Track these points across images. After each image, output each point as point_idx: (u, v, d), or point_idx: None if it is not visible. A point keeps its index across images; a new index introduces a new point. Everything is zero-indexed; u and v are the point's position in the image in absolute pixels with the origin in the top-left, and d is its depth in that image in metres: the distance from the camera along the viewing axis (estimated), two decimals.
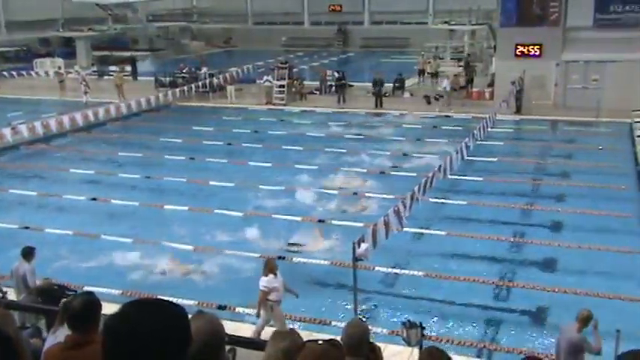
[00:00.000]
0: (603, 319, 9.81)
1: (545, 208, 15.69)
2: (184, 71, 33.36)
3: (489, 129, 19.58)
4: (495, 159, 19.75)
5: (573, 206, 15.55)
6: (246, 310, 10.64)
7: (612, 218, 14.56)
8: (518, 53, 26.26)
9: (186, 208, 16.03)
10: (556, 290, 11.15)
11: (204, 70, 32.31)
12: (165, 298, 2.16)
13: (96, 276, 11.83)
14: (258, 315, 9.48)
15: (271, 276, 9.33)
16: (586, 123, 23.92)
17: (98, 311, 3.88)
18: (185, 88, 27.59)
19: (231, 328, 9.12)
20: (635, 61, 24.18)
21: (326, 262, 12.55)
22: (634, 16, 24.70)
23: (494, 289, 11.67)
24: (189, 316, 2.15)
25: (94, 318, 3.79)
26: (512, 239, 13.89)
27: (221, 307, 10.63)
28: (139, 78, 36.58)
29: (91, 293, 4.25)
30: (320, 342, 3.38)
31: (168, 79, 32.95)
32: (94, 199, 16.82)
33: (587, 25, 25.23)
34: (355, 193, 16.75)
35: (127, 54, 42.78)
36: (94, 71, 37.97)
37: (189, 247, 13.46)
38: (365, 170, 18.82)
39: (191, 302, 10.14)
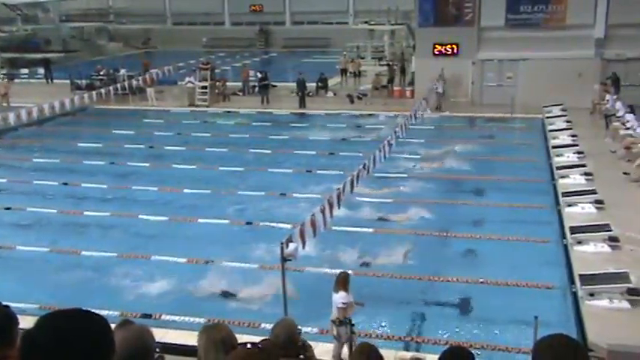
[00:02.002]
0: (522, 306, 10.27)
1: (467, 202, 16.15)
2: (102, 73, 32.34)
3: (411, 126, 20.01)
4: (418, 156, 20.19)
5: (493, 199, 16.12)
6: (173, 317, 10.44)
7: (529, 210, 15.19)
8: (437, 52, 27.00)
9: (107, 214, 15.55)
10: (480, 281, 11.52)
11: (122, 71, 31.49)
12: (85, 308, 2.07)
13: (12, 289, 11.26)
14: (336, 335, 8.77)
15: (343, 292, 8.73)
16: (502, 119, 24.86)
17: (13, 325, 3.66)
18: (103, 90, 26.72)
19: (158, 334, 8.93)
20: (544, 59, 25.34)
21: (255, 266, 12.47)
22: (542, 16, 25.88)
23: (420, 283, 11.90)
24: (114, 325, 2.08)
25: (8, 332, 3.58)
26: (436, 234, 14.19)
27: (146, 316, 10.37)
28: (54, 81, 35.25)
29: (4, 307, 4.01)
30: (248, 345, 3.38)
31: (84, 81, 31.87)
32: (8, 208, 16.05)
33: (500, 25, 26.24)
34: (283, 194, 16.72)
35: (39, 56, 41.02)
36: (4, 74, 36.16)
37: (113, 254, 13.07)
38: (291, 170, 18.84)
39: (116, 313, 9.83)
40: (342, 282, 8.80)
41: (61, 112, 24.78)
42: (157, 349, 3.17)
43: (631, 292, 10.18)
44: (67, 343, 1.86)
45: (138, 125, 25.53)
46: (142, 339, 3.00)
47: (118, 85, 28.22)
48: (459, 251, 13.31)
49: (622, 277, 10.47)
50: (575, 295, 10.72)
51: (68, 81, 32.15)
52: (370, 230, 14.23)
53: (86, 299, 10.61)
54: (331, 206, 11.44)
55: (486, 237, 13.60)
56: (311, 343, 5.39)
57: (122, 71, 31.69)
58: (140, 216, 15.33)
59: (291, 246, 9.48)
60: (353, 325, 8.34)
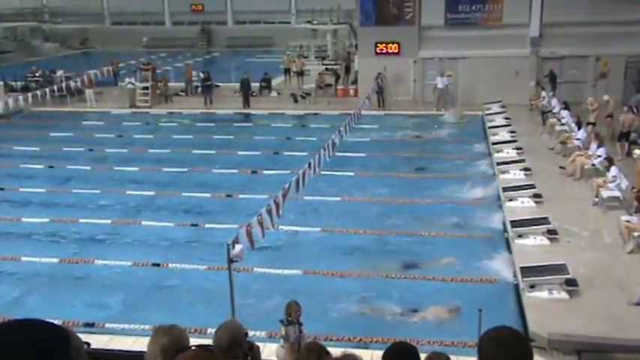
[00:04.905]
0: (466, 300, 10.49)
1: (407, 200, 16.32)
2: (37, 74, 31.32)
3: (355, 125, 20.14)
4: (364, 154, 20.28)
5: (436, 196, 16.37)
6: (118, 325, 10.23)
7: (471, 205, 15.50)
8: (379, 51, 27.27)
9: (47, 220, 15.07)
10: (424, 277, 11.70)
11: (59, 72, 30.59)
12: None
13: None
14: None
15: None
16: (443, 116, 25.27)
17: None
18: (39, 92, 25.88)
19: (102, 341, 8.72)
20: (483, 57, 25.95)
21: (203, 267, 12.33)
22: (480, 15, 26.49)
23: (367, 281, 11.98)
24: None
25: None
26: (378, 232, 14.26)
27: (88, 324, 10.12)
28: None
29: None
30: (193, 348, 3.36)
31: (19, 83, 30.79)
32: None
33: (440, 24, 26.72)
34: (229, 195, 16.58)
35: None
36: None
37: (54, 260, 12.70)
38: (236, 170, 18.70)
39: (58, 321, 9.55)
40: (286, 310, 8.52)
41: None
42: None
43: (569, 282, 10.56)
44: (16, 353, 1.78)
45: (77, 128, 24.87)
46: (75, 345, 2.93)
47: (55, 87, 27.42)
48: (401, 247, 13.41)
49: (560, 269, 10.84)
50: (516, 287, 11.04)
51: (2, 82, 31.01)
52: (317, 229, 14.23)
53: (27, 308, 10.29)
54: (277, 206, 11.41)
55: (432, 234, 13.82)
56: (259, 344, 5.36)
57: (59, 72, 30.79)
58: (81, 220, 14.93)
59: (237, 247, 9.40)
60: (301, 324, 8.34)
